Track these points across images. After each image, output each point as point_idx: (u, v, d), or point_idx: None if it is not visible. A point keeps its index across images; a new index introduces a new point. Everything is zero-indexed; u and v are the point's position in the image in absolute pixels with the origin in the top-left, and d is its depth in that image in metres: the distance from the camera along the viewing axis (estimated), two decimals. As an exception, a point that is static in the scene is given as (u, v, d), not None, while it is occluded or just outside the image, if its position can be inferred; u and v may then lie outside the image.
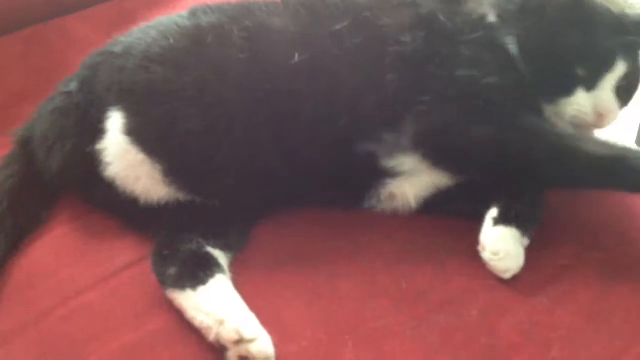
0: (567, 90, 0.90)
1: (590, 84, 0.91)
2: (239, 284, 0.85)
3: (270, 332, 0.78)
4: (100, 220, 0.95)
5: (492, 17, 0.93)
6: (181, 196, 0.92)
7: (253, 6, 0.96)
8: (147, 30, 0.96)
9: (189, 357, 0.79)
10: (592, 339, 0.80)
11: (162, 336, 0.81)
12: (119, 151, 0.91)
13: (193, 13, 0.97)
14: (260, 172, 0.90)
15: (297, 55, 0.88)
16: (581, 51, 0.90)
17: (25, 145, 0.99)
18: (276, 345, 0.78)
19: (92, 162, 0.92)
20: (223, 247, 0.88)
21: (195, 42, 0.92)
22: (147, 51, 0.92)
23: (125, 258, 0.90)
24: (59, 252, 0.92)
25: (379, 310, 0.83)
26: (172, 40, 0.92)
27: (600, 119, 0.91)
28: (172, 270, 0.84)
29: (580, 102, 0.90)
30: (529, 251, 0.87)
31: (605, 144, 0.87)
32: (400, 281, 0.85)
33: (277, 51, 0.90)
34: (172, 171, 0.90)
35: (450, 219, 0.92)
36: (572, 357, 0.79)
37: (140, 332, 0.82)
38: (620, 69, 0.91)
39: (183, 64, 0.90)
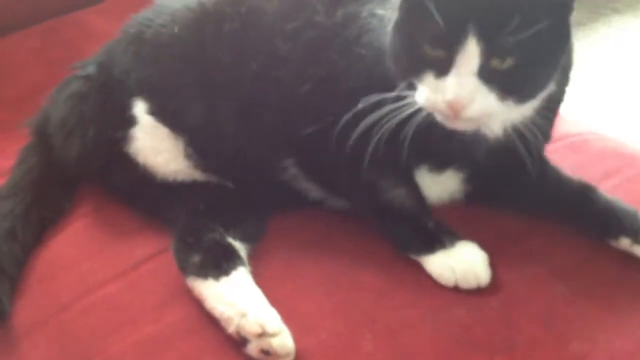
0: (417, 75, 0.76)
1: (442, 68, 0.74)
2: (257, 275, 0.85)
3: (289, 323, 0.78)
4: (121, 212, 0.96)
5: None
6: (197, 175, 0.93)
7: None
8: (160, 9, 0.97)
9: (208, 348, 0.80)
10: (614, 330, 0.80)
11: (181, 328, 0.82)
12: (145, 128, 0.93)
13: None
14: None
15: (254, 65, 0.89)
16: (424, 29, 0.74)
17: (40, 134, 1.00)
18: (295, 337, 0.78)
19: (114, 145, 0.93)
20: (242, 239, 0.88)
21: (197, 31, 0.93)
22: (156, 39, 0.94)
23: (145, 251, 0.90)
24: (80, 245, 0.92)
25: (398, 301, 0.83)
26: (176, 29, 0.93)
27: (451, 109, 0.74)
28: (195, 259, 0.84)
29: (428, 89, 0.75)
30: (547, 243, 0.86)
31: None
32: (419, 272, 0.85)
33: (250, 55, 0.90)
34: (192, 144, 0.92)
35: (470, 211, 0.92)
36: (592, 349, 0.78)
37: (160, 324, 0.82)
38: (474, 48, 0.72)
39: (187, 59, 0.92)
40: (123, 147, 0.93)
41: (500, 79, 0.74)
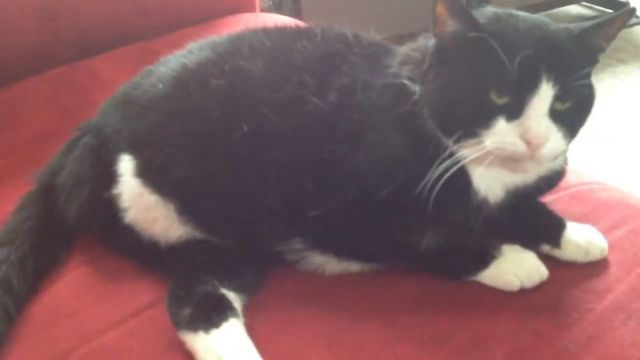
0: (484, 122, 0.79)
1: (513, 112, 0.79)
2: (258, 326, 0.84)
3: (291, 376, 0.77)
4: (121, 260, 0.95)
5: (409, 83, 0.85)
6: (198, 234, 0.91)
7: (242, 43, 0.95)
8: (148, 74, 0.99)
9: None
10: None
11: (181, 377, 0.80)
12: (133, 195, 0.91)
13: (188, 51, 0.99)
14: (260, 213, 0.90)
15: (245, 126, 0.87)
16: (491, 77, 0.79)
17: (46, 186, 1.00)
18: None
19: (109, 208, 0.92)
20: (237, 290, 0.87)
21: (182, 88, 0.92)
22: (143, 97, 0.94)
23: (146, 298, 0.90)
24: (80, 292, 0.92)
25: (402, 354, 0.81)
26: (161, 85, 0.94)
27: (532, 147, 0.79)
28: (186, 312, 0.83)
29: (501, 133, 0.79)
30: (552, 295, 0.86)
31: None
32: (423, 324, 0.84)
33: (238, 113, 0.89)
34: (185, 209, 0.90)
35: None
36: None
37: (160, 373, 0.81)
38: (547, 91, 0.78)
39: (172, 111, 0.91)
40: (117, 215, 0.92)
41: (562, 120, 0.80)
